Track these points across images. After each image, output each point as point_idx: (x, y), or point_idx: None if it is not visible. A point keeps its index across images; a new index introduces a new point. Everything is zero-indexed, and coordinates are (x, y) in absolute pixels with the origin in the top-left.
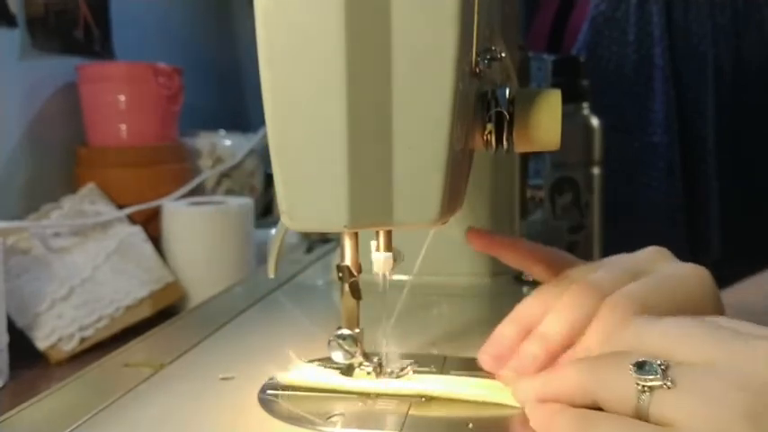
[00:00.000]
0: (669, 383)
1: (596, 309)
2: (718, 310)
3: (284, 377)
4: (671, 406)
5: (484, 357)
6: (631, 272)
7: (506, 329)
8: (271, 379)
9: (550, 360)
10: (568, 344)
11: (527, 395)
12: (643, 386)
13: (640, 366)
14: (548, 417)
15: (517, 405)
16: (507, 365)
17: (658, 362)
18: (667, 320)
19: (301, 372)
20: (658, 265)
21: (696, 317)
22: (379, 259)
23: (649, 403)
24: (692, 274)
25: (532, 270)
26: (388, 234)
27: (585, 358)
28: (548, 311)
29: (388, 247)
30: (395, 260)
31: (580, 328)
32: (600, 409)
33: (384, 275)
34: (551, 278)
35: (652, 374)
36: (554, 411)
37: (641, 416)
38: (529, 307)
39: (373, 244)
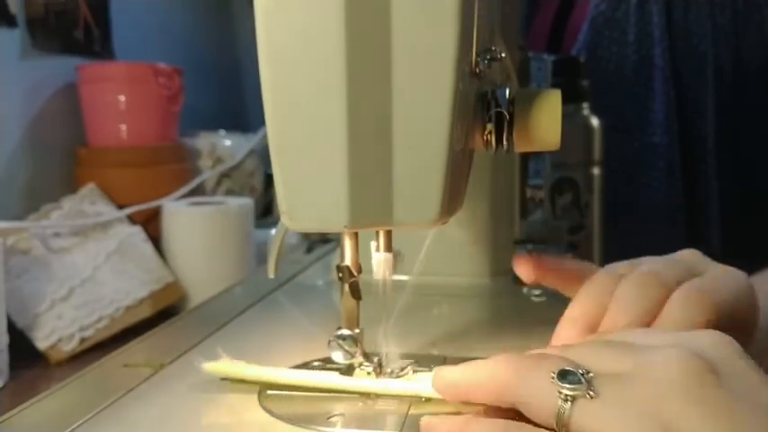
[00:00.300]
0: (592, 393)
1: (660, 300)
2: (757, 310)
3: (212, 367)
4: (592, 416)
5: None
6: (684, 265)
7: (567, 332)
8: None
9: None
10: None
11: (448, 379)
12: (566, 395)
13: (563, 375)
14: (463, 422)
15: None
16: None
17: (581, 371)
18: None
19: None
20: (704, 262)
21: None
22: (380, 259)
23: (570, 412)
24: (740, 275)
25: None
26: (388, 234)
27: (513, 355)
28: (603, 307)
29: (388, 248)
30: (395, 260)
31: (646, 323)
32: (518, 415)
33: (384, 276)
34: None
35: (574, 383)
36: (470, 419)
37: (561, 424)
38: (583, 305)
39: (373, 245)
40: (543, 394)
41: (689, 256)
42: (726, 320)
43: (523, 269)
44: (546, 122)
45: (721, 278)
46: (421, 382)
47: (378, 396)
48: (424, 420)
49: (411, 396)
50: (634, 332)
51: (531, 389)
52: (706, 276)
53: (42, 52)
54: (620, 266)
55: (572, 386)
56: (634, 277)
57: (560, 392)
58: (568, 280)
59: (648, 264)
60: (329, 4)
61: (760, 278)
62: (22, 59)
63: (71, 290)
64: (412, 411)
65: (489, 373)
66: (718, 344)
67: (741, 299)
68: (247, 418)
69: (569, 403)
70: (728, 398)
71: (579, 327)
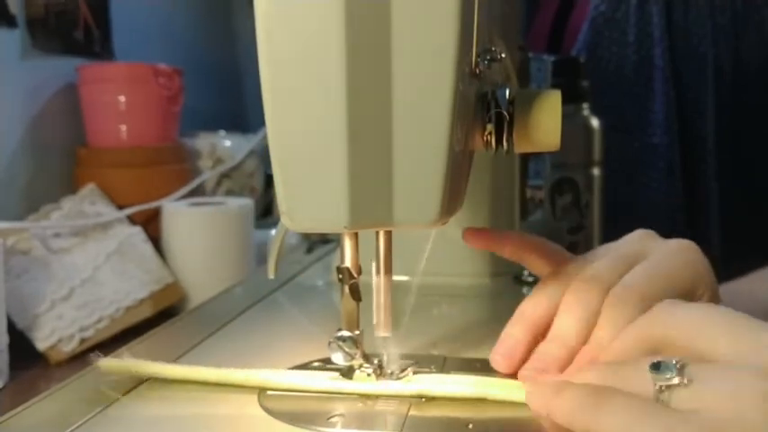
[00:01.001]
0: (686, 381)
1: (601, 302)
2: (711, 284)
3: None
4: (690, 401)
5: (496, 358)
6: (625, 258)
7: (514, 330)
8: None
9: (570, 358)
10: (584, 341)
11: (544, 399)
12: (661, 386)
13: (656, 367)
14: (553, 391)
15: (518, 402)
16: (527, 365)
17: (674, 360)
18: (688, 307)
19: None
20: (649, 247)
21: (712, 305)
22: (380, 317)
23: (669, 402)
24: (686, 252)
25: (529, 261)
26: (388, 235)
27: (603, 363)
28: (551, 308)
29: (389, 249)
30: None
31: (591, 324)
32: None
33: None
34: (548, 269)
35: (669, 373)
36: (559, 387)
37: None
38: (532, 305)
39: (374, 266)
40: (641, 388)
41: (638, 239)
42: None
43: (470, 236)
44: (546, 123)
45: (656, 264)
46: (420, 383)
47: (378, 396)
48: (528, 385)
49: (411, 396)
50: (698, 321)
51: (629, 385)
52: (640, 266)
53: (42, 53)
54: (580, 260)
55: (667, 375)
56: (576, 284)
57: (656, 384)
58: (517, 245)
59: (599, 260)
60: (329, 6)
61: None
62: (22, 60)
63: (71, 290)
64: (412, 412)
65: (590, 377)
66: None
67: (681, 276)
68: (247, 417)
69: (666, 393)
70: None
71: (528, 325)
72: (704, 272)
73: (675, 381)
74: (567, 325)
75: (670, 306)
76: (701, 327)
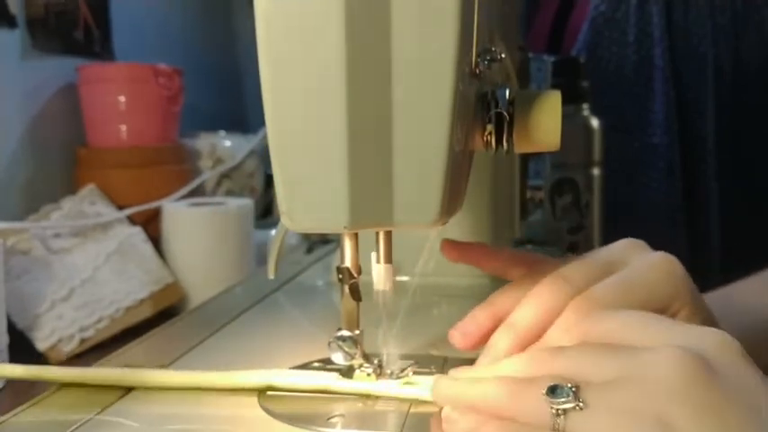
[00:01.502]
0: (581, 405)
1: (565, 303)
2: (690, 300)
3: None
4: (585, 426)
5: (454, 334)
6: (603, 266)
7: (479, 313)
8: None
9: (519, 349)
10: (538, 334)
11: (445, 395)
12: (557, 410)
13: (552, 390)
14: (473, 425)
15: None
16: (481, 351)
17: (569, 385)
18: (572, 347)
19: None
20: (630, 258)
21: (591, 342)
22: (380, 270)
23: (564, 426)
24: (663, 268)
25: (512, 274)
26: (388, 235)
27: (505, 378)
28: (519, 300)
29: (389, 249)
30: (395, 271)
31: (548, 320)
32: None
33: (383, 291)
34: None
35: (563, 397)
36: (480, 422)
37: None
38: (503, 295)
39: (374, 255)
40: (538, 412)
41: (622, 248)
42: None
43: (446, 248)
44: (546, 123)
45: (628, 277)
46: (419, 387)
47: (378, 397)
48: (445, 413)
49: (411, 397)
50: (633, 324)
51: (525, 408)
52: (614, 276)
53: (42, 53)
54: (547, 266)
55: (562, 400)
56: (545, 281)
57: (552, 408)
58: (498, 260)
59: (576, 262)
60: (329, 6)
61: (758, 279)
62: (22, 60)
63: (71, 290)
64: (412, 412)
65: (482, 394)
66: (719, 343)
67: (653, 291)
68: (247, 418)
69: (562, 417)
70: (723, 399)
71: (493, 311)
72: (682, 287)
73: (570, 404)
74: (521, 316)
75: (556, 350)
76: (588, 361)
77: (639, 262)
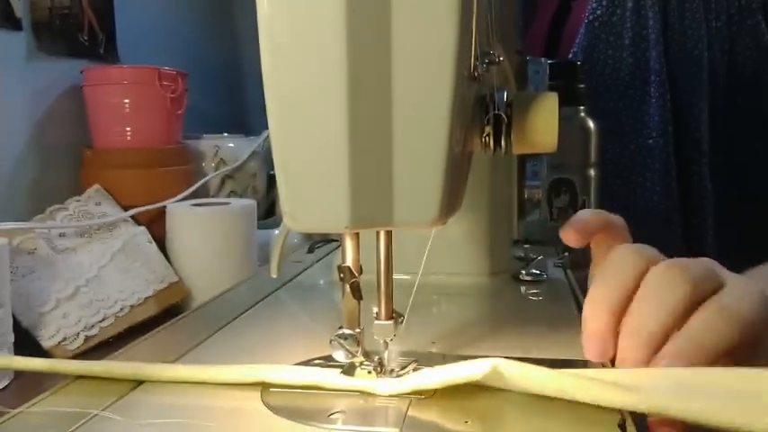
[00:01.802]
0: None
1: (687, 298)
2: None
3: None
4: None
5: (593, 356)
6: (707, 267)
7: (600, 319)
8: None
9: (651, 358)
10: (671, 332)
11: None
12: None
13: None
14: None
15: (515, 390)
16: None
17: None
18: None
19: None
20: (723, 271)
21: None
22: (380, 326)
23: None
24: (756, 288)
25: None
26: (389, 235)
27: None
28: (628, 289)
29: (389, 248)
30: (396, 324)
31: (680, 316)
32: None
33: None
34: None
35: None
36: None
37: None
38: (605, 288)
39: (375, 310)
40: None
41: (711, 262)
42: (747, 335)
43: (570, 238)
44: (543, 125)
45: (742, 292)
46: (417, 377)
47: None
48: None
49: (411, 393)
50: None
51: None
52: (729, 290)
53: (48, 55)
54: (643, 249)
55: None
56: (663, 270)
57: None
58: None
59: (685, 264)
60: (330, 8)
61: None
62: (27, 62)
63: (76, 289)
64: (412, 408)
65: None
66: None
67: (760, 312)
68: (249, 415)
69: None
70: None
71: (604, 309)
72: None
73: None
74: (652, 318)
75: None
76: None
77: (739, 282)
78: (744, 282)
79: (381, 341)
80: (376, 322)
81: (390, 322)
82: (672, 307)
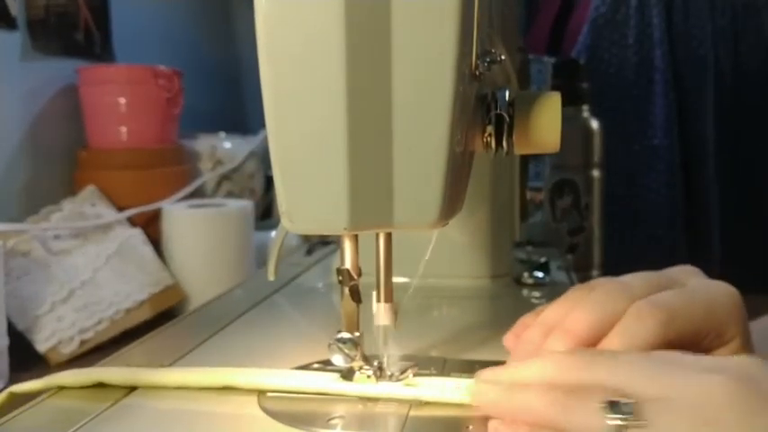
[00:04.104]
0: (642, 422)
1: (623, 310)
2: (743, 331)
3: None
4: None
5: (509, 336)
6: (662, 280)
7: (529, 319)
8: None
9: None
10: (593, 342)
11: (487, 400)
12: (617, 426)
13: (613, 405)
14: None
15: None
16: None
17: (628, 401)
18: (623, 356)
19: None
20: (689, 280)
21: (643, 352)
22: (380, 308)
23: None
24: (723, 292)
25: None
26: (388, 237)
27: (553, 389)
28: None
29: (389, 251)
30: (396, 315)
31: (605, 328)
32: None
33: (384, 329)
34: None
35: (624, 413)
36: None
37: None
38: (554, 312)
39: (374, 294)
40: (593, 427)
41: (678, 270)
42: (688, 333)
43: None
44: (546, 125)
45: (690, 292)
46: (419, 387)
47: (378, 398)
48: (492, 427)
49: (411, 399)
50: (676, 353)
51: (580, 423)
52: (672, 291)
53: (43, 54)
54: (600, 280)
55: (622, 416)
56: (604, 287)
57: (610, 422)
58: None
59: (623, 278)
60: (329, 8)
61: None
62: (22, 61)
63: (71, 292)
64: (412, 414)
65: (534, 401)
66: (761, 365)
67: (713, 311)
68: (247, 420)
69: None
70: None
71: (540, 328)
72: (739, 316)
73: (632, 422)
74: (577, 322)
75: (606, 356)
76: (642, 374)
77: (701, 282)
78: (707, 284)
79: (380, 343)
80: (375, 308)
81: (389, 304)
82: (603, 313)
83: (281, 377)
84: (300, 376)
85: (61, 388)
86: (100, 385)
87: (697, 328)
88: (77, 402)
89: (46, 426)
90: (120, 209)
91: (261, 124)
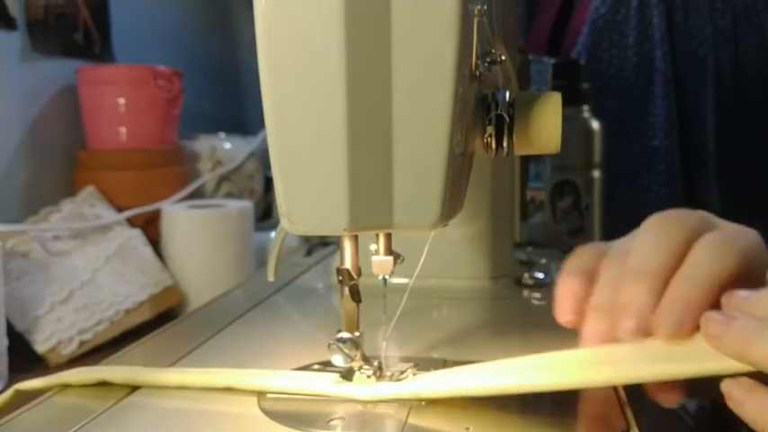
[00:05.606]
0: None
1: (687, 242)
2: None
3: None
4: None
5: (567, 319)
6: (701, 216)
7: (570, 283)
8: None
9: (658, 298)
10: (669, 278)
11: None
12: None
13: None
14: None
15: (517, 393)
16: (622, 326)
17: None
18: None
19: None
20: (717, 220)
21: None
22: (379, 261)
23: None
24: (752, 232)
25: None
26: (388, 237)
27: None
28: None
29: (389, 252)
30: (395, 262)
31: (677, 262)
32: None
33: (384, 278)
34: None
35: None
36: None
37: None
38: (582, 259)
39: (373, 247)
40: None
41: (704, 214)
42: (744, 265)
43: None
44: (546, 125)
45: (737, 231)
46: (417, 383)
47: (378, 400)
48: (727, 388)
49: (411, 400)
50: None
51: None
52: (723, 229)
53: (42, 55)
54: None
55: None
56: (655, 222)
57: None
58: None
59: (669, 214)
60: (329, 9)
61: None
62: (21, 62)
63: (70, 293)
64: (412, 415)
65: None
66: None
67: (756, 252)
68: (247, 421)
69: None
70: None
71: (583, 277)
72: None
73: None
74: (649, 261)
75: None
76: None
77: (732, 225)
78: (740, 227)
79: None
80: (374, 258)
81: (390, 258)
82: (669, 249)
83: (281, 378)
84: (301, 377)
85: (65, 386)
86: (103, 384)
87: (751, 266)
88: (82, 400)
89: (52, 422)
90: (120, 209)
91: (261, 125)
